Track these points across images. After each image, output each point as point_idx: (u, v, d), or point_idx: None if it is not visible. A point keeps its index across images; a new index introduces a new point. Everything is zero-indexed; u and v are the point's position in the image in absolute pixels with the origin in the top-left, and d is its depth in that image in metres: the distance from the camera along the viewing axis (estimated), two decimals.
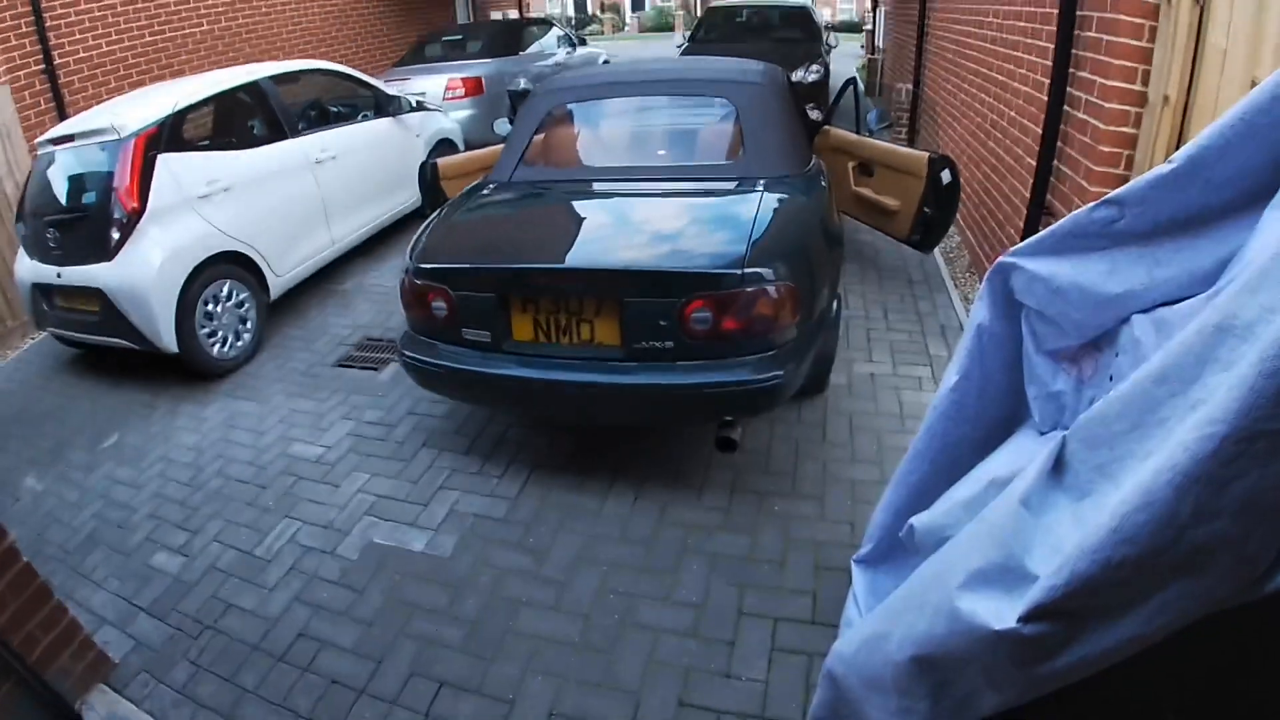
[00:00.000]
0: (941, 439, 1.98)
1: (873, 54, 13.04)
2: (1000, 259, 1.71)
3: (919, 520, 1.62)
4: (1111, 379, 1.58)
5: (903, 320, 4.22)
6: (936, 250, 5.04)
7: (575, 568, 2.65)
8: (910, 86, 8.22)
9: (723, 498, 2.92)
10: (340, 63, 6.11)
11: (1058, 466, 1.34)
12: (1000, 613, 1.18)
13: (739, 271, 2.53)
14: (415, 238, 3.15)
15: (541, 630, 2.41)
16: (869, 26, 15.07)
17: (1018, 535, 1.28)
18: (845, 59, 15.47)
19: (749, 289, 2.53)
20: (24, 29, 6.02)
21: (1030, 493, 1.32)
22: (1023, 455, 1.70)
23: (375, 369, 4.21)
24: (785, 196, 3.03)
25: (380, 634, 2.46)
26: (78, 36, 6.57)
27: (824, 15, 15.52)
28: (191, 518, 3.15)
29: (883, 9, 12.45)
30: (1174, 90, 2.70)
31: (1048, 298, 1.61)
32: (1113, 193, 1.42)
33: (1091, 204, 1.45)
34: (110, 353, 4.49)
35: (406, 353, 3.00)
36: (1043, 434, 1.77)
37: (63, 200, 4.23)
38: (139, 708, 2.35)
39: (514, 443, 3.39)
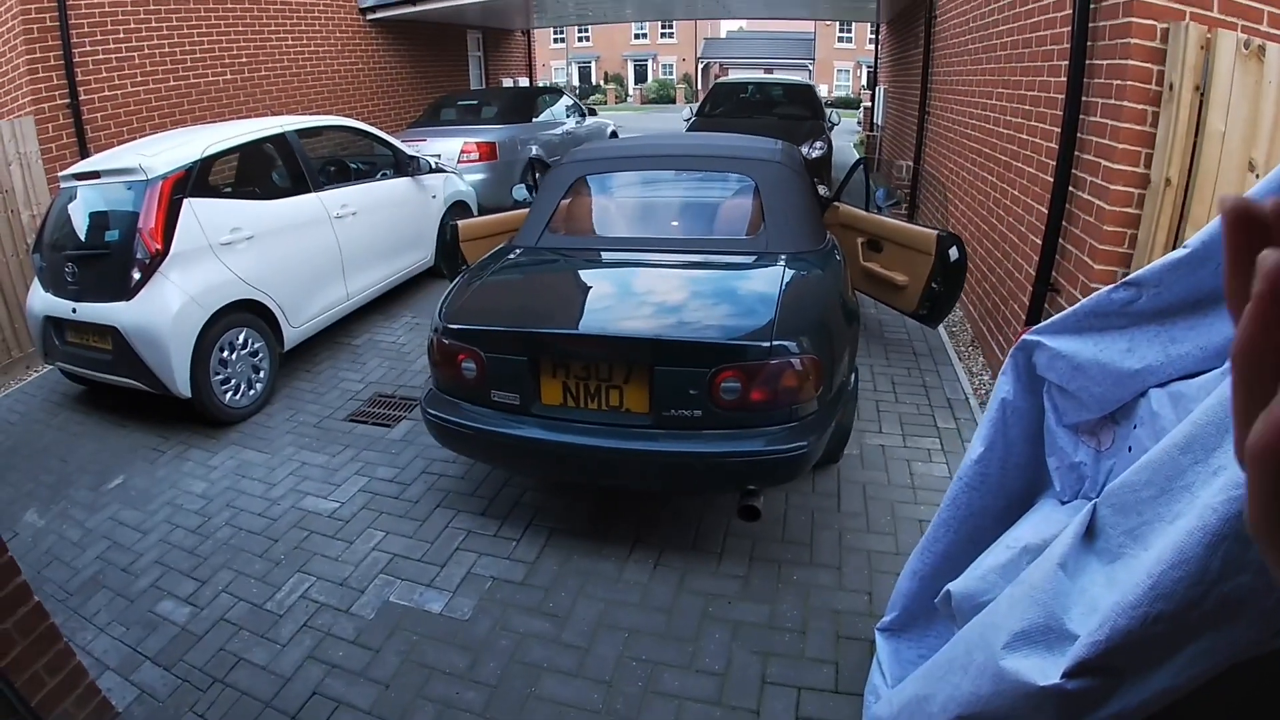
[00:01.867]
0: (966, 508, 2.03)
1: (870, 130, 13.43)
2: (1024, 337, 1.79)
3: (956, 587, 1.66)
4: (1130, 450, 1.65)
5: (910, 393, 4.30)
6: (940, 325, 5.16)
7: (596, 633, 2.65)
8: (910, 163, 8.48)
9: (741, 565, 2.94)
10: (356, 119, 6.26)
11: (1089, 532, 1.40)
12: (1045, 670, 1.23)
13: (767, 344, 2.61)
14: (444, 297, 3.21)
15: (564, 696, 2.39)
16: (867, 103, 15.56)
17: (1057, 597, 1.33)
18: (842, 134, 15.92)
19: (775, 361, 2.60)
20: (53, 62, 6.20)
21: (1066, 557, 1.38)
22: (1050, 523, 1.76)
23: (388, 426, 4.22)
24: (805, 272, 3.13)
25: (398, 696, 2.43)
26: (104, 75, 6.76)
27: (821, 89, 16.01)
28: (200, 567, 3.12)
29: (882, 87, 12.88)
30: (1175, 173, 2.84)
31: (1069, 374, 1.69)
32: (1131, 275, 1.51)
33: (1111, 286, 1.54)
34: (115, 392, 4.49)
35: (431, 411, 3.03)
36: (1064, 503, 1.83)
37: (84, 236, 4.27)
38: None
39: (531, 505, 3.41)
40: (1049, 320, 1.72)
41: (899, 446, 3.74)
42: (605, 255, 3.55)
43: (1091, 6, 3.30)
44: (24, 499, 3.73)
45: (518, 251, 3.60)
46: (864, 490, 3.38)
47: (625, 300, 3.13)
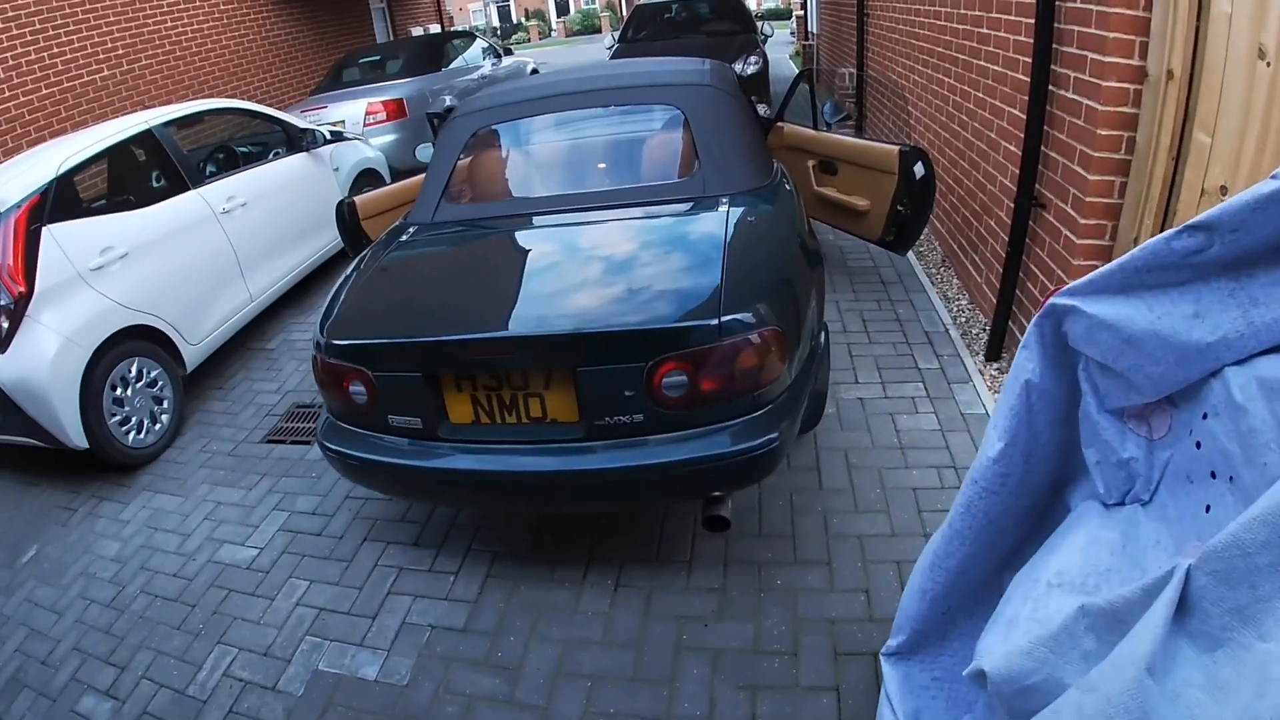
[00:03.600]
0: (984, 516, 1.65)
1: (805, 40, 12.76)
2: (1052, 299, 1.38)
3: (991, 665, 1.26)
4: (1199, 445, 1.26)
5: (884, 330, 3.88)
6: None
7: (555, 685, 2.25)
8: (853, 70, 7.91)
9: (715, 575, 2.54)
10: (258, 96, 5.64)
11: (1180, 605, 1.01)
12: None
13: (714, 321, 2.12)
14: (326, 304, 2.69)
15: None
16: (799, 12, 14.84)
17: (1145, 717, 0.95)
18: (777, 46, 15.22)
19: (728, 341, 2.11)
20: None
21: (1154, 656, 0.99)
22: (1099, 549, 1.37)
23: (307, 443, 3.76)
24: (754, 217, 2.65)
25: None
26: None
27: (751, 3, 15.25)
28: (118, 649, 2.73)
29: None
30: (1178, 64, 2.38)
31: (1116, 349, 1.29)
32: (1199, 216, 1.13)
33: (1169, 232, 1.16)
34: (23, 448, 3.98)
35: (327, 445, 2.55)
36: (1108, 506, 1.45)
37: None
38: None
39: (468, 527, 2.98)
40: (1085, 278, 1.31)
41: (879, 398, 3.33)
42: (511, 226, 2.98)
43: None
44: None
45: (412, 230, 3.06)
46: (846, 458, 2.98)
47: (533, 285, 2.56)
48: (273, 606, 2.77)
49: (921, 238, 5.09)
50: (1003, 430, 1.53)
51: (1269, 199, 1.04)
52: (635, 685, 2.21)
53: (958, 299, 4.18)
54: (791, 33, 17.47)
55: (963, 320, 3.91)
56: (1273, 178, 1.04)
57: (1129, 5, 2.47)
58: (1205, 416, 1.23)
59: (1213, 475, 1.21)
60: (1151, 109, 2.48)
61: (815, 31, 11.59)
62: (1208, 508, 1.21)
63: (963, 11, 4.13)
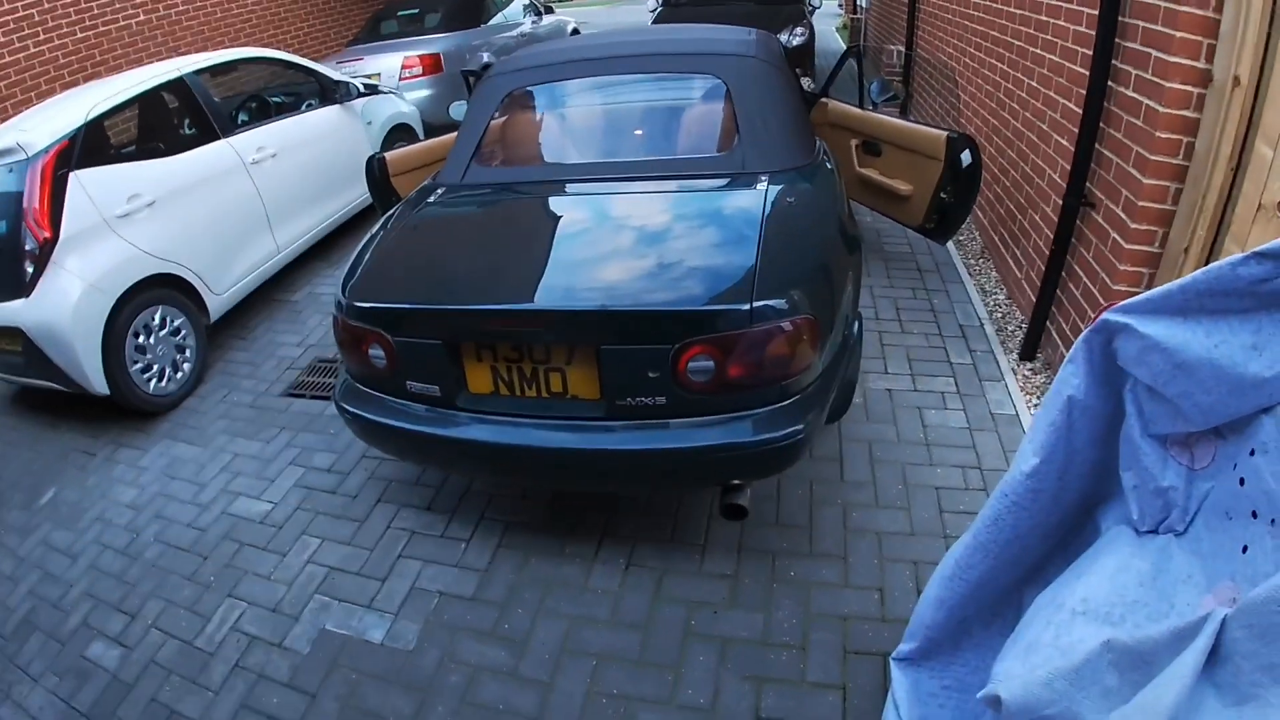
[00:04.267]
0: (1011, 530, 1.59)
1: (854, 13, 12.43)
2: (1105, 315, 1.30)
3: (1009, 692, 1.20)
4: (1243, 482, 1.19)
5: (917, 320, 3.78)
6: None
7: (560, 662, 2.23)
8: (901, 48, 7.68)
9: (729, 561, 2.50)
10: (294, 47, 5.57)
11: (1212, 653, 0.96)
12: None
13: (746, 306, 2.04)
14: (349, 264, 2.64)
15: None
16: None
17: None
18: (823, 18, 14.85)
19: (759, 327, 2.04)
20: None
21: (1179, 707, 0.93)
22: (1128, 577, 1.31)
23: (327, 398, 3.75)
24: (794, 198, 2.55)
25: None
26: (0, 40, 5.99)
27: None
28: (129, 596, 2.75)
29: None
30: (1246, 70, 2.25)
31: (1168, 374, 1.23)
32: (1268, 244, 1.08)
33: (1236, 257, 1.11)
34: (51, 391, 4.03)
35: (345, 406, 2.52)
36: (1141, 533, 1.38)
37: None
38: None
39: (482, 495, 2.96)
40: (1143, 295, 1.24)
41: (908, 390, 3.25)
42: (542, 192, 2.90)
43: None
44: None
45: (440, 191, 3.00)
46: (870, 451, 2.91)
47: (561, 257, 2.49)
48: (284, 563, 2.77)
49: (962, 228, 4.96)
50: (1039, 445, 1.46)
51: None
52: (640, 668, 2.19)
53: (995, 293, 4.06)
54: (840, 5, 17.03)
55: (999, 316, 3.80)
56: None
57: (1199, 5, 2.32)
58: (1253, 453, 1.17)
59: (1254, 515, 1.15)
60: (1214, 115, 2.35)
61: (864, 5, 11.28)
62: (1245, 548, 1.15)
63: None
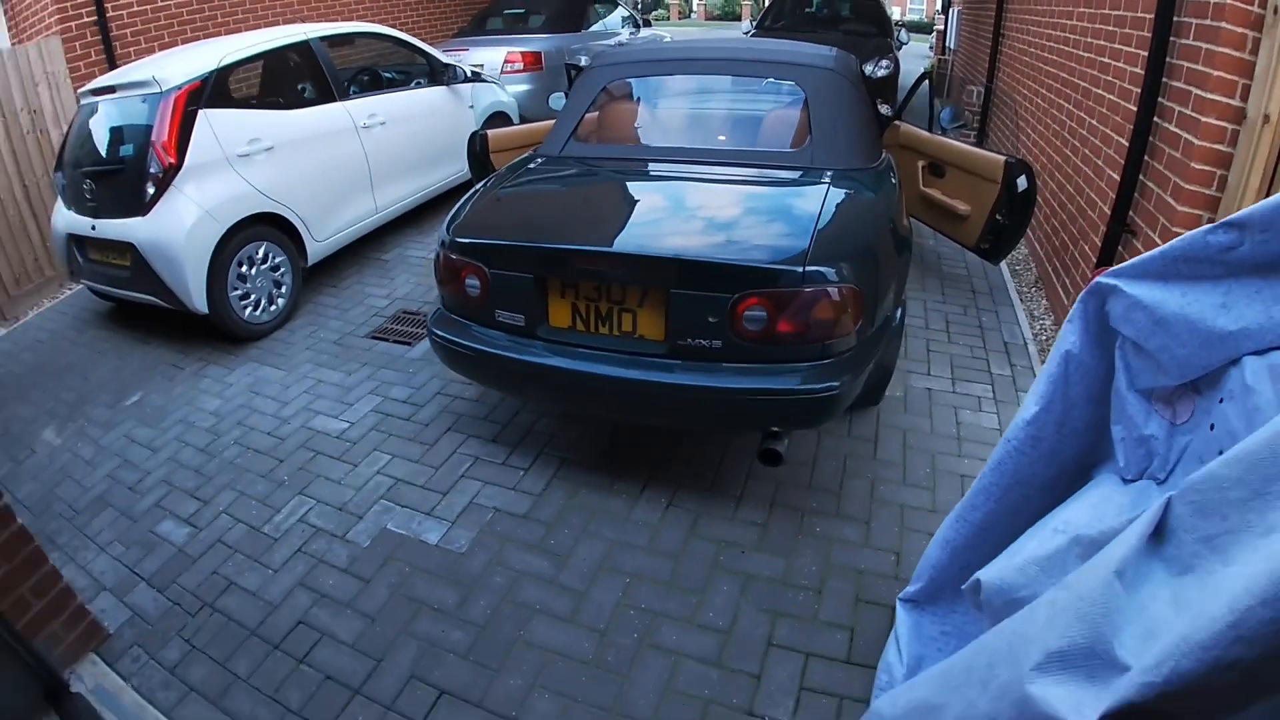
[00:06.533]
0: (1013, 475, 1.77)
1: (943, 54, 12.57)
2: (1098, 279, 1.49)
3: (987, 575, 1.39)
4: (1212, 428, 1.36)
5: (964, 333, 3.95)
6: (1003, 261, 4.75)
7: (596, 577, 2.46)
8: (981, 88, 7.83)
9: (761, 512, 2.71)
10: (400, 29, 5.94)
11: (1158, 532, 1.13)
12: (1080, 705, 1.00)
13: (800, 269, 2.30)
14: (454, 209, 2.97)
15: (553, 643, 2.23)
16: (939, 27, 14.57)
17: (1109, 614, 1.08)
18: (913, 59, 15.01)
19: (809, 289, 2.29)
20: None
21: (1126, 563, 1.11)
22: (1110, 505, 1.48)
23: (408, 344, 4.06)
24: (853, 191, 2.78)
25: (383, 630, 2.31)
26: None
27: (895, 12, 15.02)
28: (204, 486, 3.05)
29: (956, 8, 11.98)
30: (1275, 108, 2.42)
31: (1149, 329, 1.40)
32: (1235, 214, 1.24)
33: (1208, 226, 1.27)
34: (142, 309, 4.43)
35: (436, 331, 2.82)
36: (1127, 481, 1.55)
37: (101, 152, 4.15)
38: (128, 683, 2.23)
39: (544, 434, 3.21)
40: (1130, 261, 1.42)
41: (947, 391, 3.42)
42: (632, 167, 3.22)
43: None
44: (44, 417, 3.72)
45: (540, 161, 3.32)
46: (904, 438, 3.09)
47: (644, 215, 2.81)
48: (355, 471, 3.05)
49: (1019, 257, 5.10)
50: (1039, 395, 1.64)
51: None
52: (669, 589, 2.40)
53: (1043, 319, 4.19)
54: (930, 46, 17.15)
55: (1044, 339, 3.93)
56: None
57: (1236, 46, 2.51)
58: (1221, 401, 1.31)
59: (1219, 454, 1.31)
60: (1246, 149, 2.52)
61: (952, 47, 11.41)
62: None
63: (1090, 39, 4.14)
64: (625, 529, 2.66)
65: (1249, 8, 2.53)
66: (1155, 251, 1.38)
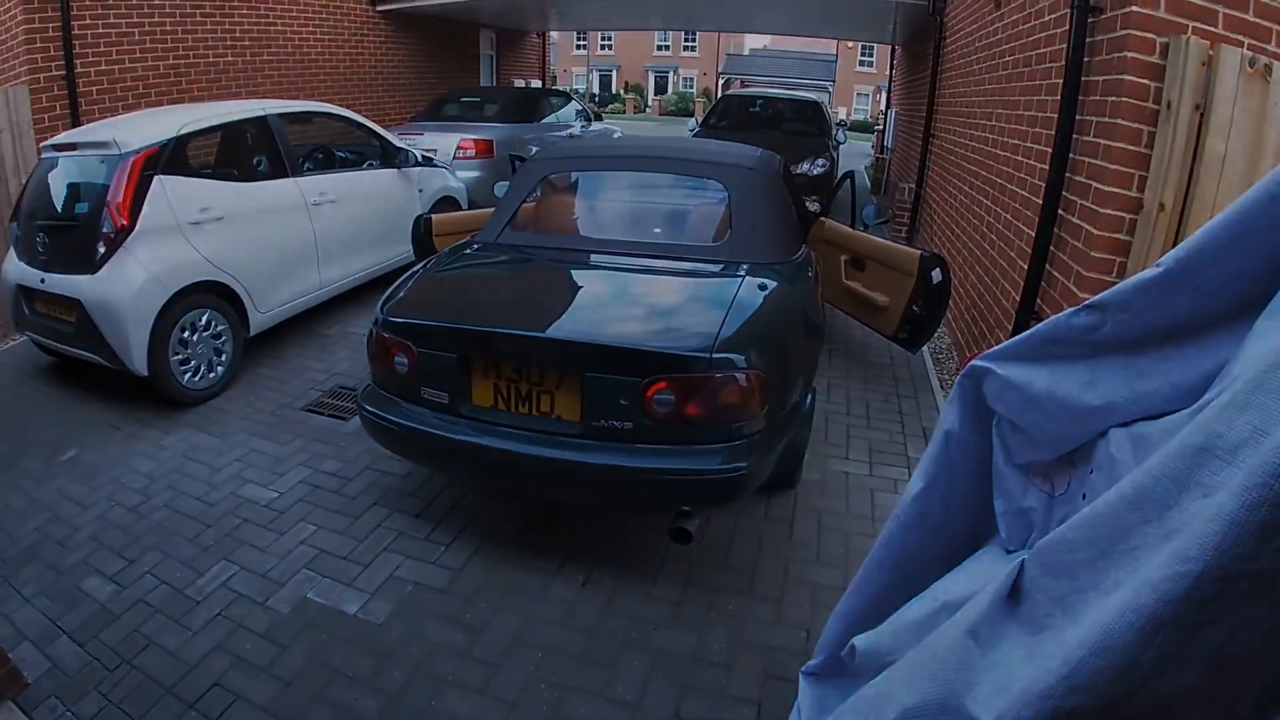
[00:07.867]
0: (902, 549, 1.87)
1: (881, 153, 13.31)
2: (973, 362, 1.63)
3: (862, 641, 1.50)
4: (1084, 497, 1.48)
5: (884, 419, 4.14)
6: (925, 350, 5.01)
7: (510, 650, 2.50)
8: (913, 185, 8.33)
9: (675, 590, 2.79)
10: (359, 111, 6.18)
11: (1014, 593, 1.23)
12: None
13: (706, 355, 2.47)
14: (390, 289, 3.11)
15: (464, 714, 2.26)
16: (880, 127, 15.44)
17: (961, 671, 1.16)
18: (856, 157, 15.78)
19: (716, 374, 2.45)
20: (51, 33, 6.20)
21: (979, 622, 1.20)
22: (981, 577, 1.59)
23: (343, 418, 4.11)
24: (767, 283, 2.98)
25: (297, 695, 2.31)
26: (103, 49, 6.74)
27: (840, 113, 15.86)
28: (131, 546, 3.04)
29: (894, 110, 12.76)
30: (1170, 197, 2.66)
31: (1021, 407, 1.51)
32: (1095, 297, 1.32)
33: (1071, 309, 1.36)
34: (83, 365, 4.42)
35: (366, 406, 2.92)
36: (1009, 552, 1.67)
37: (58, 207, 4.25)
38: None
39: (468, 511, 3.27)
40: (1002, 345, 1.54)
41: (864, 475, 3.58)
42: (561, 256, 3.42)
43: (1090, 20, 3.15)
44: None
45: (476, 246, 3.50)
46: (819, 519, 3.22)
47: (567, 302, 2.99)
48: (280, 540, 3.07)
49: (943, 346, 5.37)
50: (924, 473, 1.77)
51: (1151, 284, 1.21)
52: (580, 663, 2.45)
53: None
54: (872, 146, 18.10)
55: None
56: (1156, 266, 1.20)
57: (1132, 141, 2.78)
58: (1091, 472, 1.40)
59: None
60: (1143, 237, 2.76)
61: (890, 146, 12.12)
62: None
63: (1006, 139, 4.50)
64: (541, 604, 2.71)
65: (1144, 104, 2.79)
66: (1025, 334, 1.48)
